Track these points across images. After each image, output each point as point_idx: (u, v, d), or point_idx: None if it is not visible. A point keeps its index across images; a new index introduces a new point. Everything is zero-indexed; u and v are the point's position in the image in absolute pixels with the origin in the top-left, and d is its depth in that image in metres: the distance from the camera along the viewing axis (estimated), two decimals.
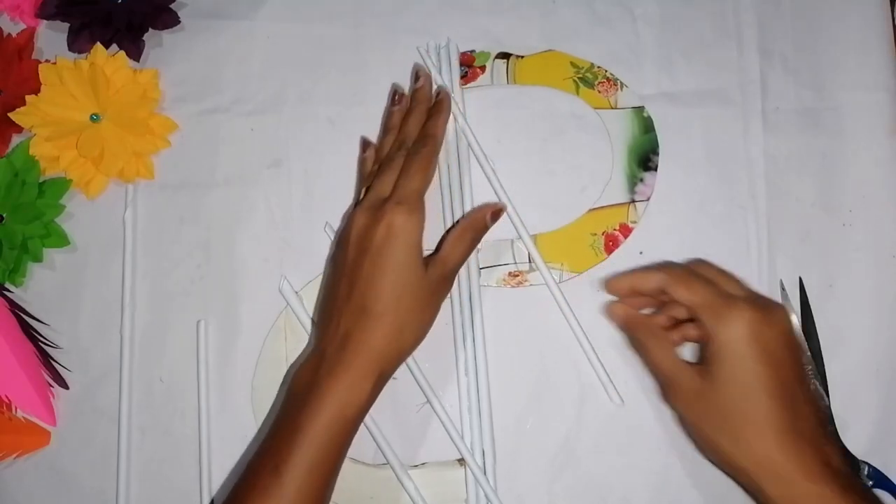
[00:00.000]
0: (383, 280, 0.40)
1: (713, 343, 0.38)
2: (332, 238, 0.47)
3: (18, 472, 0.46)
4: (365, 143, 0.47)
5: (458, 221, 0.44)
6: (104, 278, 0.47)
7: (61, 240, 0.47)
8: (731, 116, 0.47)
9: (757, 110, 0.47)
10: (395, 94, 0.47)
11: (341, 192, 0.48)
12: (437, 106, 0.46)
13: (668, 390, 0.41)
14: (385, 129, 0.47)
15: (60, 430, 0.46)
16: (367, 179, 0.45)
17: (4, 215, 0.47)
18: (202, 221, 0.48)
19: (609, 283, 0.44)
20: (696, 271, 0.41)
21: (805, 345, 0.44)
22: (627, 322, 0.43)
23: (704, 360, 0.39)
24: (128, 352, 0.46)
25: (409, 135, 0.45)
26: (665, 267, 0.43)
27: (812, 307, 0.45)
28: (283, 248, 0.47)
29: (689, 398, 0.39)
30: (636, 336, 0.42)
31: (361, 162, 0.47)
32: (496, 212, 0.44)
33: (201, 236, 0.48)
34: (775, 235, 0.46)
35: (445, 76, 0.48)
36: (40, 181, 0.48)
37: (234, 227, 0.48)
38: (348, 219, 0.42)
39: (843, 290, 0.45)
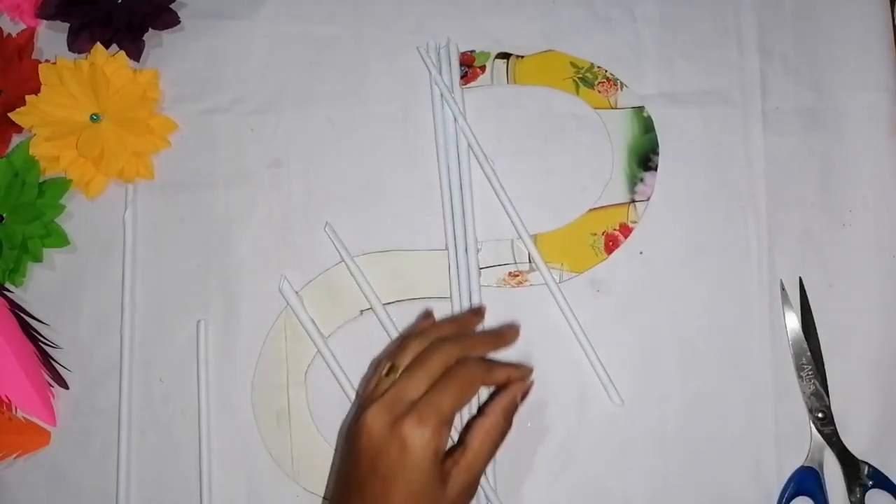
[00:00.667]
0: None
1: None
2: (353, 401, 0.45)
3: (19, 471, 0.46)
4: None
5: (482, 410, 0.40)
6: (104, 278, 0.47)
7: (61, 240, 0.47)
8: (731, 116, 0.47)
9: (757, 110, 0.47)
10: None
11: (341, 191, 0.48)
12: (502, 337, 0.42)
13: None
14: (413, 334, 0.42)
15: (60, 429, 0.46)
16: (383, 373, 0.39)
17: (4, 215, 0.47)
18: (202, 221, 0.48)
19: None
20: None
21: (805, 345, 0.44)
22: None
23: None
24: (128, 352, 0.46)
25: (452, 337, 0.40)
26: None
27: (812, 307, 0.45)
28: (283, 247, 0.47)
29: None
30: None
31: (396, 349, 0.41)
32: (526, 392, 0.40)
33: (201, 236, 0.48)
34: (775, 235, 0.46)
35: (445, 76, 0.48)
36: (40, 181, 0.48)
37: (234, 227, 0.48)
38: (361, 412, 0.37)
39: (843, 290, 0.45)
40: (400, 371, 0.39)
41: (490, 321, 0.45)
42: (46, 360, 0.46)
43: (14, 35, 0.50)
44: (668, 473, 0.44)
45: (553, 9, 0.49)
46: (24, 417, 0.46)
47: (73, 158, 0.48)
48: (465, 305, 0.45)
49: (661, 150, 0.47)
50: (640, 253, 0.46)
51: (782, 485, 0.43)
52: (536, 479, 0.44)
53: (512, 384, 0.40)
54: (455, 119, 0.47)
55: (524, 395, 0.40)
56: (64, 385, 0.46)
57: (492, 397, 0.40)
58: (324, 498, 0.44)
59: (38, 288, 0.48)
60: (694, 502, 0.43)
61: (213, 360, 0.46)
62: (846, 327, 0.44)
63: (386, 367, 0.39)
